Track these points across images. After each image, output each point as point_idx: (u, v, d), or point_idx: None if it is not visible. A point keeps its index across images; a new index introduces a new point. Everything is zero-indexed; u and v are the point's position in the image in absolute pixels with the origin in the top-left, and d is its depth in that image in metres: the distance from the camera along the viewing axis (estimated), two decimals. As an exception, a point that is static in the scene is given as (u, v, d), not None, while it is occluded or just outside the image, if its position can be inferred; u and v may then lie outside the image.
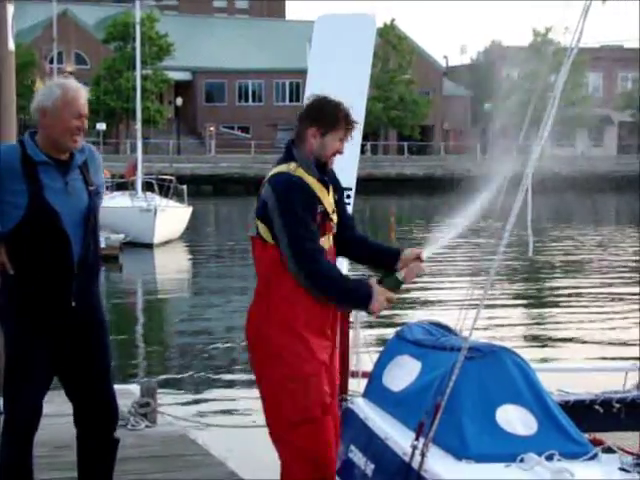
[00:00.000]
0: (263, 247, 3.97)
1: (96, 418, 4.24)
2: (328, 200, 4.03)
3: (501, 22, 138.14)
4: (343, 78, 5.26)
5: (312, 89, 5.56)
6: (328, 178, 4.09)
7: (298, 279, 3.93)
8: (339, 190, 4.20)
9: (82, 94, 4.10)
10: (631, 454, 4.26)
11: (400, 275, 4.07)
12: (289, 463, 4.03)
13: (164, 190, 28.45)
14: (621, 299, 16.66)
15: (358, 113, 5.76)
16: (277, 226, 3.89)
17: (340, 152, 4.08)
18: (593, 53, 63.65)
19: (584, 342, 12.75)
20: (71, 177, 4.09)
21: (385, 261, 4.17)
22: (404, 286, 4.11)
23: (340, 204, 4.20)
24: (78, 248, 4.06)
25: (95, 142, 43.22)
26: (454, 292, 15.76)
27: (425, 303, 16.46)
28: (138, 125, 31.71)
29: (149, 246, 24.80)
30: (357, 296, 3.97)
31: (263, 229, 3.97)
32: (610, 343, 12.54)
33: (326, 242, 4.04)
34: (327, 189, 4.05)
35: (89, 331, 4.17)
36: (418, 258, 4.09)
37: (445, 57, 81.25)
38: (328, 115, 4.02)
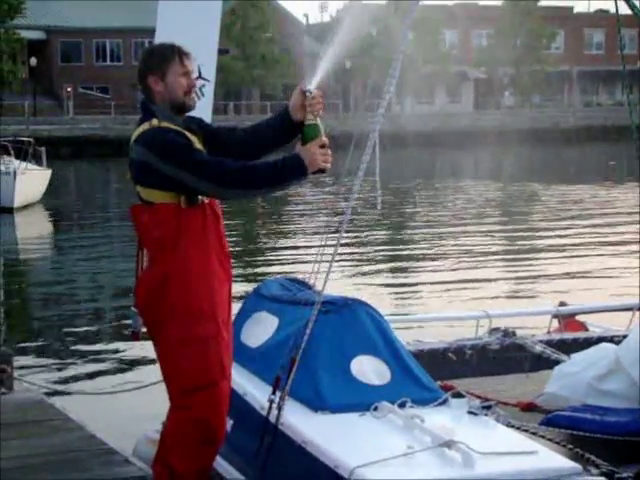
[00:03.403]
0: (151, 211, 3.86)
1: None
2: (200, 146, 3.94)
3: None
4: (192, 37, 5.20)
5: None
6: (193, 124, 4.01)
7: (222, 194, 3.85)
8: (204, 124, 4.11)
9: None
10: (479, 397, 4.42)
11: (308, 120, 3.87)
12: (177, 425, 3.95)
13: (22, 153, 27.67)
14: (475, 251, 17.14)
15: (210, 72, 5.75)
16: (168, 173, 3.76)
17: (192, 86, 3.99)
18: (448, 11, 64.83)
19: (439, 292, 13.08)
20: None
21: (283, 124, 4.00)
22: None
23: (209, 130, 4.08)
24: None
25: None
26: (308, 248, 15.92)
27: (281, 259, 16.58)
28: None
29: (9, 210, 24.20)
30: (288, 163, 3.78)
31: (147, 192, 3.86)
32: (464, 292, 12.90)
33: None
34: (196, 135, 3.97)
35: None
36: (303, 94, 3.94)
37: (305, 15, 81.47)
38: (157, 57, 3.97)
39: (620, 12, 4.51)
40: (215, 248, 3.95)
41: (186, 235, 3.86)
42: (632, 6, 3.94)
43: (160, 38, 5.52)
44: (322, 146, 3.80)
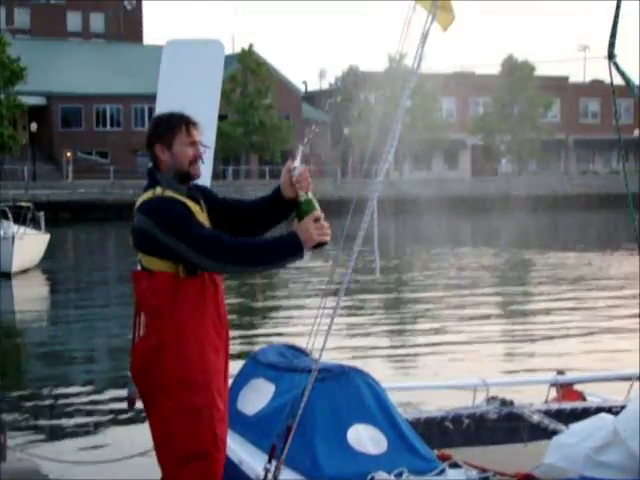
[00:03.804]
0: (149, 278, 3.88)
1: None
2: (203, 216, 3.97)
3: (358, 48, 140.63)
4: (192, 103, 5.25)
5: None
6: (198, 193, 4.04)
7: (220, 270, 3.87)
8: (208, 192, 4.13)
9: None
10: (476, 468, 4.38)
11: (300, 196, 3.88)
12: None
13: (21, 218, 27.75)
14: (472, 316, 17.10)
15: (209, 138, 5.79)
16: (167, 244, 3.79)
17: (198, 157, 4.03)
18: (446, 79, 65.57)
19: (437, 356, 13.03)
20: None
21: (276, 202, 4.03)
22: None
23: (214, 197, 4.12)
24: None
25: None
26: (306, 314, 15.90)
27: (278, 326, 16.54)
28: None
29: (7, 275, 24.20)
30: (284, 242, 3.79)
31: (147, 260, 3.90)
32: (462, 359, 12.84)
33: None
34: (199, 205, 4.00)
35: None
36: (289, 171, 3.97)
37: (304, 82, 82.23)
38: (164, 126, 4.01)
39: (615, 82, 4.57)
40: (212, 318, 3.94)
41: (183, 304, 3.86)
42: (627, 80, 3.99)
43: (161, 104, 5.58)
44: (317, 220, 3.80)
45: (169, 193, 3.91)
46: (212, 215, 4.05)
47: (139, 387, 4.01)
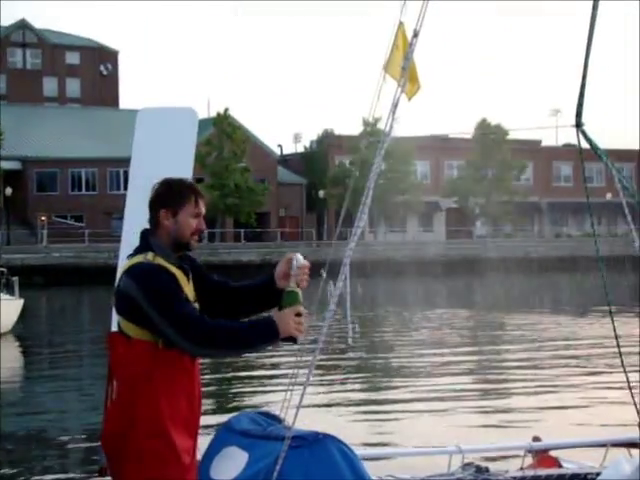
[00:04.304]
0: (127, 344, 3.81)
1: None
2: (189, 288, 3.92)
3: (333, 111, 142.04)
4: (166, 169, 5.27)
5: (135, 182, 5.57)
6: (188, 264, 3.98)
7: (194, 353, 3.81)
8: (198, 268, 4.06)
9: None
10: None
11: (290, 287, 3.85)
12: None
13: (-5, 282, 27.57)
14: (446, 375, 17.09)
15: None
16: (150, 316, 3.72)
17: (201, 230, 3.95)
18: (420, 142, 66.25)
19: (411, 419, 12.99)
20: None
21: (267, 289, 4.00)
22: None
23: (202, 273, 4.07)
24: None
25: None
26: (279, 381, 15.84)
27: (253, 392, 16.45)
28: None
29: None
30: (261, 328, 3.74)
31: (126, 325, 3.82)
32: (435, 418, 12.82)
33: None
34: (187, 277, 3.94)
35: None
36: (289, 261, 3.94)
37: (279, 145, 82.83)
38: (173, 193, 3.94)
39: (585, 146, 4.63)
40: (187, 392, 3.89)
41: (159, 376, 3.80)
42: (594, 148, 4.06)
43: (135, 168, 5.60)
44: (298, 314, 3.78)
45: (160, 260, 3.85)
46: (197, 292, 4.00)
47: (108, 455, 3.95)
